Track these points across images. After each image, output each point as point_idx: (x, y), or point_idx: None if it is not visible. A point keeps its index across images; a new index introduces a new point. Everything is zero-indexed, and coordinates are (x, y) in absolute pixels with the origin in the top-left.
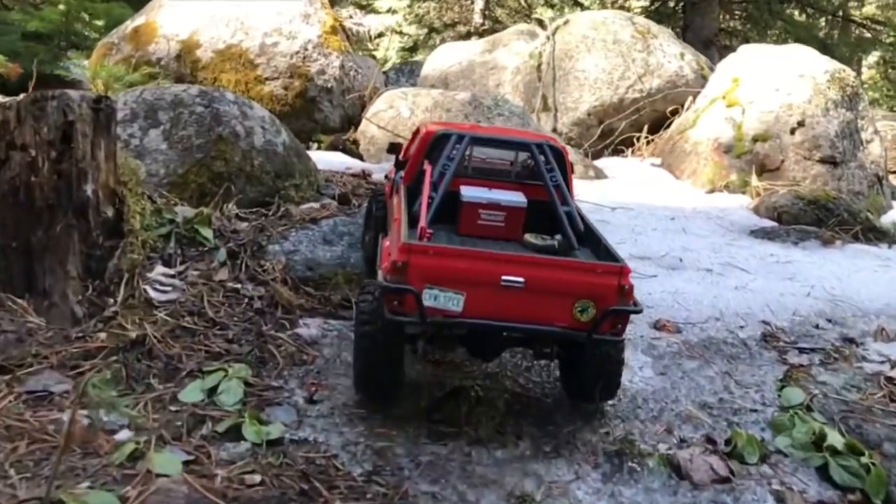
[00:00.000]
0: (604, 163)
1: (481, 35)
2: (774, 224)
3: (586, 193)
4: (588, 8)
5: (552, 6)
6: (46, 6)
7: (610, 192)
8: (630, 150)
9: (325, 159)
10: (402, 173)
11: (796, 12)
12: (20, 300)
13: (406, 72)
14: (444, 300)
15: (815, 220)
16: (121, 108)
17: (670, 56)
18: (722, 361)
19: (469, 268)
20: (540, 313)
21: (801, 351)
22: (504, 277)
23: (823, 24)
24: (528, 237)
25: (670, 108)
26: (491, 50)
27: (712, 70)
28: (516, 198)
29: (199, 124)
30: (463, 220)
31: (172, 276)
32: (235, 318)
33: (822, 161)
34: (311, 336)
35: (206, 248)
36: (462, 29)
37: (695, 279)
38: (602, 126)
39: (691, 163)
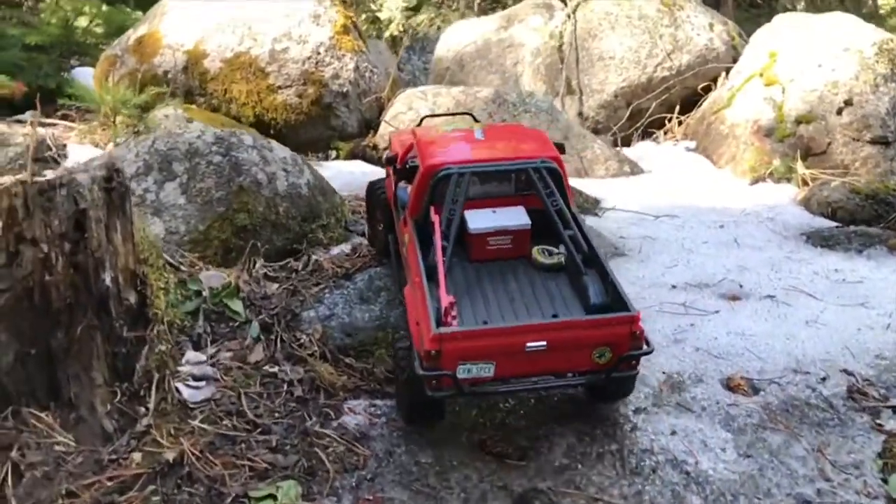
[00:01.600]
0: (637, 151)
1: None
2: (830, 224)
3: (625, 196)
4: None
5: None
6: (45, 13)
7: (650, 193)
8: (661, 131)
9: (346, 170)
10: (405, 189)
11: None
12: (45, 415)
13: (417, 49)
14: (477, 370)
15: (874, 215)
16: (133, 160)
17: (699, 28)
18: (810, 432)
19: (496, 343)
20: (563, 364)
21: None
22: (528, 344)
23: None
24: (536, 254)
25: (702, 85)
26: (506, 27)
27: (743, 39)
28: (520, 219)
29: (219, 175)
30: (473, 250)
31: (204, 363)
32: (277, 414)
33: (873, 142)
34: (358, 427)
35: (237, 323)
36: None
37: (760, 313)
38: (630, 108)
39: (729, 147)
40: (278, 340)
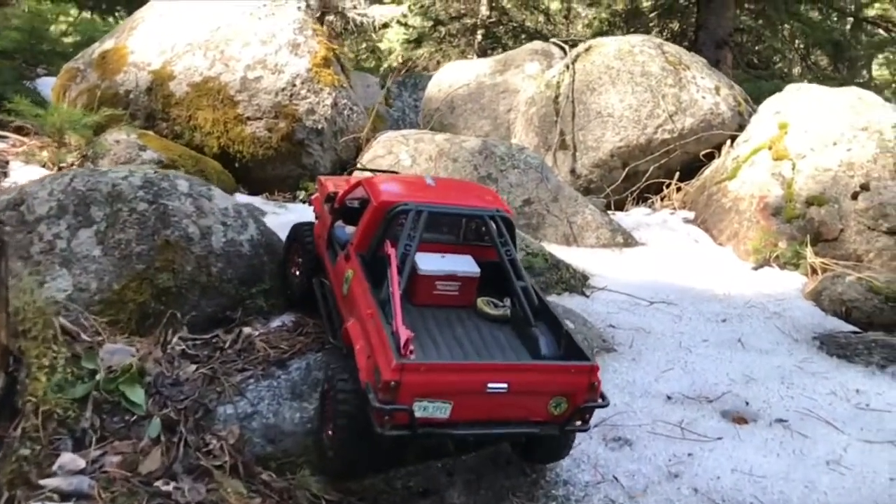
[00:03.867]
0: (631, 218)
1: (487, 28)
2: (844, 326)
3: (616, 274)
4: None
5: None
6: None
7: (644, 270)
8: (657, 197)
9: (311, 215)
10: (343, 229)
11: (813, 13)
12: None
13: (409, 85)
14: (433, 410)
15: (895, 321)
16: (45, 199)
17: (704, 91)
18: None
19: (458, 380)
20: (519, 412)
21: None
22: (489, 385)
23: (835, 22)
24: (481, 304)
25: (704, 152)
26: (502, 71)
27: (750, 106)
28: (470, 267)
29: (142, 226)
30: (418, 291)
31: (82, 472)
32: None
33: (890, 232)
34: None
35: (133, 417)
36: (468, 21)
37: (772, 444)
38: (627, 169)
39: (731, 223)
40: (182, 444)
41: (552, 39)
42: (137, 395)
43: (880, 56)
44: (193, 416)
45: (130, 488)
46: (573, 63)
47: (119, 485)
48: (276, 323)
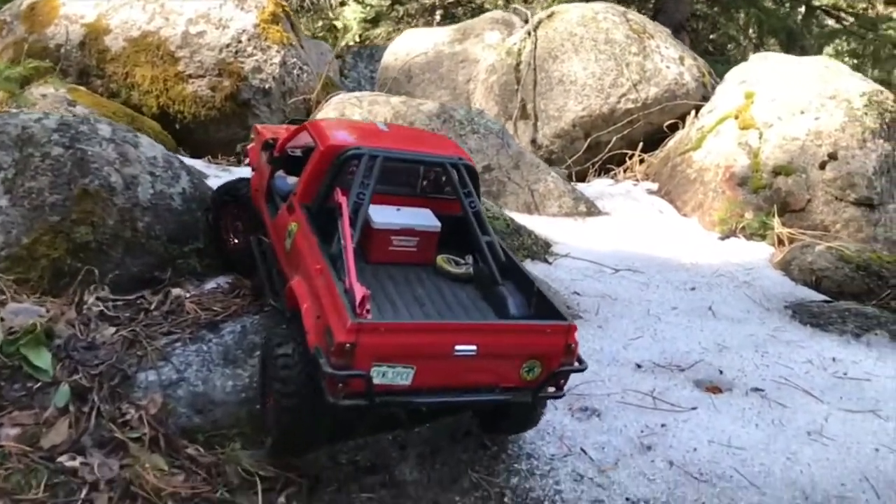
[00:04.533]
0: (593, 188)
1: (446, 9)
2: (815, 295)
3: (580, 242)
4: None
5: None
6: None
7: (608, 239)
8: (620, 168)
9: None
10: (284, 179)
11: (767, 1)
12: None
13: (365, 56)
14: (393, 376)
15: (865, 290)
16: None
17: (669, 60)
18: None
19: (423, 342)
20: (488, 377)
21: None
22: (457, 347)
23: (788, 10)
24: (441, 262)
25: (668, 122)
26: (461, 40)
27: (713, 79)
28: (429, 221)
29: (56, 173)
30: (373, 247)
31: None
32: None
33: (858, 203)
34: None
35: (38, 384)
36: (427, 1)
37: (749, 415)
38: (589, 140)
39: (696, 193)
40: (93, 414)
41: (513, 5)
42: (43, 359)
43: (830, 46)
44: (109, 383)
45: (28, 464)
46: (535, 30)
47: (15, 460)
48: (210, 285)
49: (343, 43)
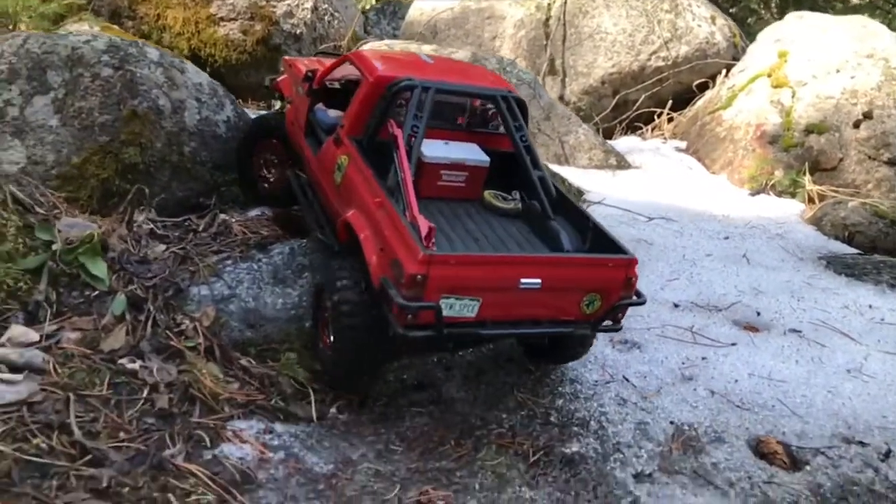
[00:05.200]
0: (622, 144)
1: None
2: (848, 249)
3: (611, 192)
4: None
5: None
6: None
7: (639, 191)
8: (648, 127)
9: None
10: (325, 112)
11: None
12: None
13: (388, 13)
14: (460, 308)
15: None
16: None
17: (700, 19)
18: None
19: (490, 274)
20: (549, 310)
21: None
22: (522, 280)
23: None
24: (489, 197)
25: (697, 82)
26: None
27: (744, 41)
28: (479, 156)
29: (106, 93)
30: (423, 182)
31: (35, 344)
32: (122, 434)
33: (891, 162)
34: (242, 463)
35: (95, 293)
36: None
37: (789, 352)
38: (617, 97)
39: (726, 151)
40: (149, 323)
41: None
42: (99, 268)
43: None
44: (163, 295)
45: (91, 365)
46: None
47: (78, 361)
48: (254, 212)
49: (362, 5)
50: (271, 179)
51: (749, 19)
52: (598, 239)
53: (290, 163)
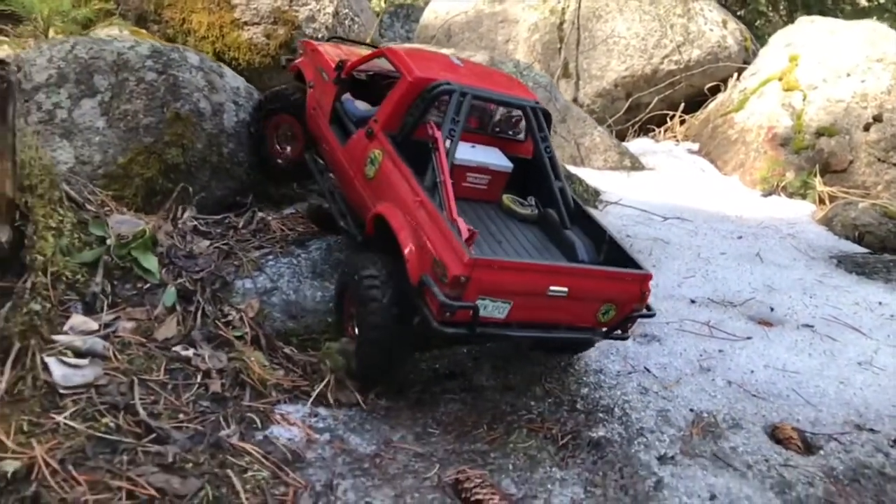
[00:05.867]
0: (636, 146)
1: None
2: (858, 249)
3: (627, 193)
4: None
5: None
6: None
7: (654, 192)
8: (661, 129)
9: None
10: (353, 102)
11: None
12: None
13: (402, 16)
14: (493, 309)
15: None
16: (44, 66)
17: (712, 23)
18: None
19: (524, 280)
20: (569, 317)
21: None
22: (552, 288)
23: None
24: (508, 202)
25: (709, 85)
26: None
27: (755, 44)
28: (502, 161)
29: (150, 97)
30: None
31: (94, 333)
32: (182, 416)
33: None
34: (291, 444)
35: (147, 285)
36: None
37: (802, 345)
38: (630, 100)
39: (737, 153)
40: (199, 314)
41: None
42: (151, 262)
43: None
44: (211, 287)
45: (147, 352)
46: None
47: (135, 348)
48: (288, 210)
49: (372, 4)
50: (286, 155)
51: (758, 21)
52: (612, 251)
53: (305, 142)
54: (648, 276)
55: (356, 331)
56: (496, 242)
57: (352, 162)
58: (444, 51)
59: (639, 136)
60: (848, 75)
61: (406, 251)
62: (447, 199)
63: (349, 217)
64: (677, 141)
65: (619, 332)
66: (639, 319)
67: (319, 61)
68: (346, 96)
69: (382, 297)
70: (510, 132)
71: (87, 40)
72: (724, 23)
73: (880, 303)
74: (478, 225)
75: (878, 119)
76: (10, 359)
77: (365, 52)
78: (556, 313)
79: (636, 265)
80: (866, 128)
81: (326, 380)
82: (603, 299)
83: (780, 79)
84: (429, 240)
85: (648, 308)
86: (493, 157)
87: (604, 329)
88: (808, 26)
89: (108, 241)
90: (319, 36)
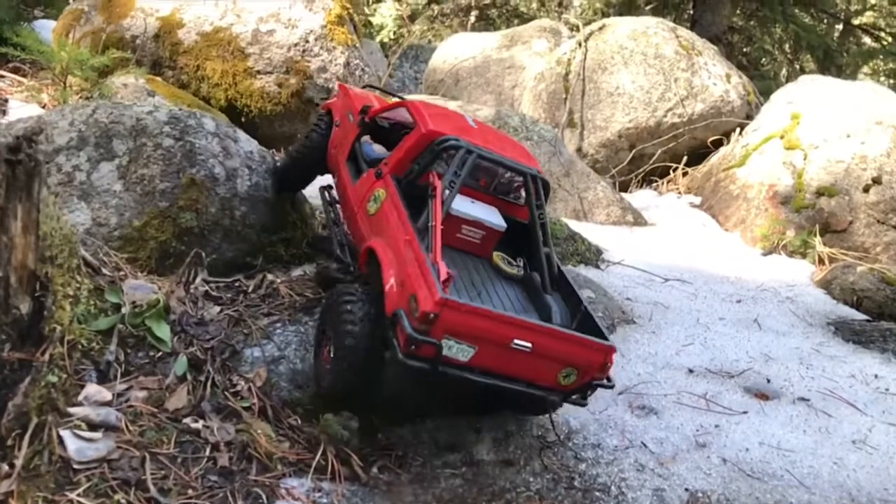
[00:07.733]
0: (637, 199)
1: (482, 10)
2: (856, 314)
3: (629, 251)
4: None
5: None
6: None
7: (655, 249)
8: (664, 181)
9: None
10: (370, 145)
11: (805, 18)
12: None
13: (411, 57)
14: (457, 350)
15: None
16: (65, 129)
17: (716, 77)
18: None
19: (489, 328)
20: (530, 372)
21: None
22: (516, 341)
23: (825, 27)
24: (497, 259)
25: (712, 138)
26: (509, 46)
27: (758, 98)
28: (497, 219)
29: (167, 162)
30: (444, 230)
31: (108, 403)
32: (190, 491)
33: None
34: None
35: (159, 354)
36: (462, 1)
37: (797, 421)
38: (633, 151)
39: (739, 209)
40: (209, 384)
41: (564, 16)
42: (163, 331)
43: (867, 66)
44: (220, 357)
45: (158, 423)
46: (585, 41)
47: (146, 419)
48: (296, 273)
49: (378, 39)
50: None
51: (763, 59)
52: (584, 321)
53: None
54: (612, 349)
55: (331, 354)
56: (476, 293)
57: (358, 197)
58: (452, 104)
59: (642, 186)
60: (848, 136)
61: (387, 286)
62: (435, 242)
63: (347, 248)
64: (680, 193)
65: (579, 397)
66: (600, 389)
67: (349, 104)
68: (366, 138)
69: (358, 312)
70: (511, 195)
71: (108, 104)
72: (728, 77)
73: (876, 375)
74: (463, 274)
75: (877, 181)
76: (28, 434)
77: (391, 101)
78: (518, 367)
79: (604, 336)
80: (866, 189)
81: (325, 452)
82: (566, 362)
83: (782, 136)
84: (408, 276)
85: (609, 379)
86: (490, 215)
87: (563, 392)
88: (811, 85)
89: (123, 309)
90: (331, 86)
